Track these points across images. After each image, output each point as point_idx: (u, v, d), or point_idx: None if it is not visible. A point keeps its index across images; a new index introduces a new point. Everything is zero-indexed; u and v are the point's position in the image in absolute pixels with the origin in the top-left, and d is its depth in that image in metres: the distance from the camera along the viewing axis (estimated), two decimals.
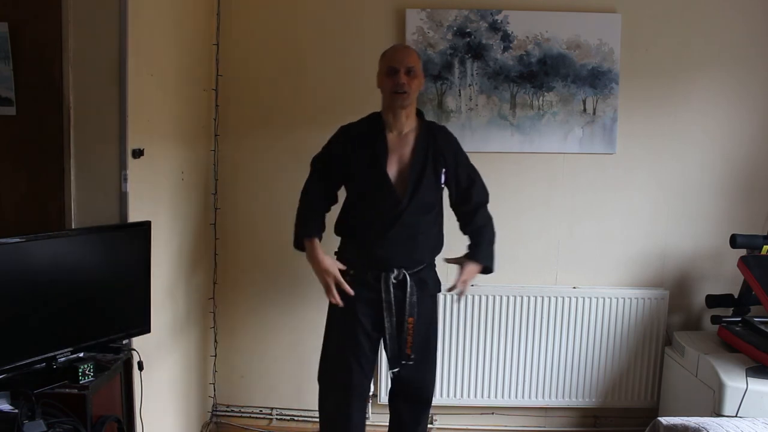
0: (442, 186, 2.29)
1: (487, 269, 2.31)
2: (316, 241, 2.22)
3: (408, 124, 2.26)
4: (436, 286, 2.36)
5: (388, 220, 2.19)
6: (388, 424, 2.48)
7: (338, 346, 2.30)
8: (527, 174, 2.93)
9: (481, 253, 2.29)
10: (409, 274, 2.22)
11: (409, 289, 2.21)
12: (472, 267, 2.27)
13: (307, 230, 2.23)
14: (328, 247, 2.31)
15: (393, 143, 2.24)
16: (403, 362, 2.26)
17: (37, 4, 1.95)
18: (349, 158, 2.24)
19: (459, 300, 2.30)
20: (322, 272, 2.20)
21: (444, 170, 2.26)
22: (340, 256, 2.31)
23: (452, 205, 2.36)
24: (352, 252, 2.27)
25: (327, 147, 2.33)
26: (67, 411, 1.69)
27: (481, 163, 2.88)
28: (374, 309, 2.24)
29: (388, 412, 2.49)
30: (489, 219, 2.35)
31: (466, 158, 2.35)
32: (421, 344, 2.29)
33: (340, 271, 2.21)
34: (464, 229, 2.36)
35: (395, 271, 2.21)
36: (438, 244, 2.35)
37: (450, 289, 2.27)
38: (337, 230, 2.33)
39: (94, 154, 2.00)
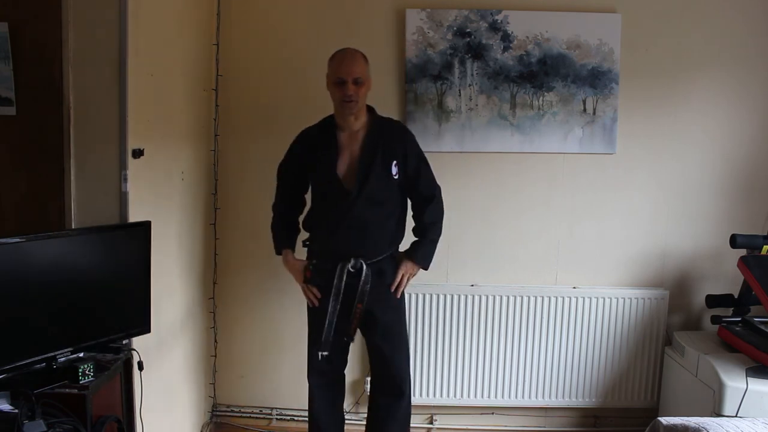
0: (396, 177, 2.35)
1: (423, 267, 2.46)
2: (288, 251, 2.46)
3: (357, 123, 2.37)
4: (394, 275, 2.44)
5: (340, 213, 2.32)
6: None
7: (309, 334, 2.49)
8: (527, 174, 2.93)
9: (418, 252, 2.43)
10: (367, 264, 2.33)
11: (363, 278, 2.33)
12: (409, 264, 2.42)
13: (280, 243, 2.48)
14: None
15: (344, 142, 2.36)
16: (345, 339, 2.40)
17: (37, 4, 1.95)
18: (307, 159, 2.40)
19: (396, 293, 2.43)
20: (293, 275, 2.46)
21: (395, 162, 2.34)
22: (309, 248, 2.49)
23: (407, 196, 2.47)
24: (315, 244, 2.45)
25: (289, 152, 2.48)
26: (67, 411, 1.69)
27: (481, 163, 2.91)
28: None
29: None
30: (438, 217, 2.45)
31: (417, 151, 2.42)
32: (387, 335, 2.42)
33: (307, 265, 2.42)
34: (414, 223, 2.47)
35: (352, 261, 2.32)
36: (397, 236, 2.45)
37: (390, 285, 2.41)
38: (304, 225, 2.49)
39: (94, 154, 2.00)
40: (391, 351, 2.44)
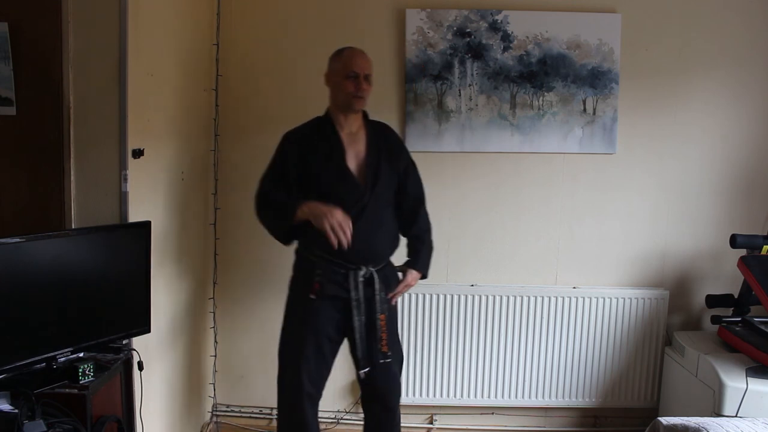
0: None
1: (423, 276, 2.42)
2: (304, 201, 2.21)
3: (356, 124, 2.34)
4: (396, 284, 2.38)
5: (353, 214, 2.19)
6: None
7: (296, 351, 2.28)
8: (527, 174, 2.93)
9: (420, 260, 2.40)
10: (375, 272, 2.26)
11: (377, 286, 2.25)
12: (414, 274, 2.39)
13: (290, 205, 2.22)
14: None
15: (346, 140, 2.30)
16: (381, 360, 2.27)
17: (37, 4, 1.95)
18: (305, 160, 2.27)
19: (393, 302, 2.38)
20: (326, 214, 2.14)
21: (392, 162, 2.35)
22: (302, 258, 2.32)
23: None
24: (316, 253, 2.25)
25: (279, 157, 2.31)
26: (67, 411, 1.69)
27: (481, 163, 2.91)
28: (339, 310, 2.26)
29: None
30: (430, 225, 2.44)
31: (407, 152, 2.45)
32: (390, 342, 2.30)
33: (310, 288, 2.23)
34: (406, 231, 2.42)
35: (363, 269, 2.24)
36: (396, 240, 2.40)
37: (391, 294, 2.34)
38: (297, 234, 2.32)
39: (94, 154, 2.00)
40: (394, 362, 2.34)
